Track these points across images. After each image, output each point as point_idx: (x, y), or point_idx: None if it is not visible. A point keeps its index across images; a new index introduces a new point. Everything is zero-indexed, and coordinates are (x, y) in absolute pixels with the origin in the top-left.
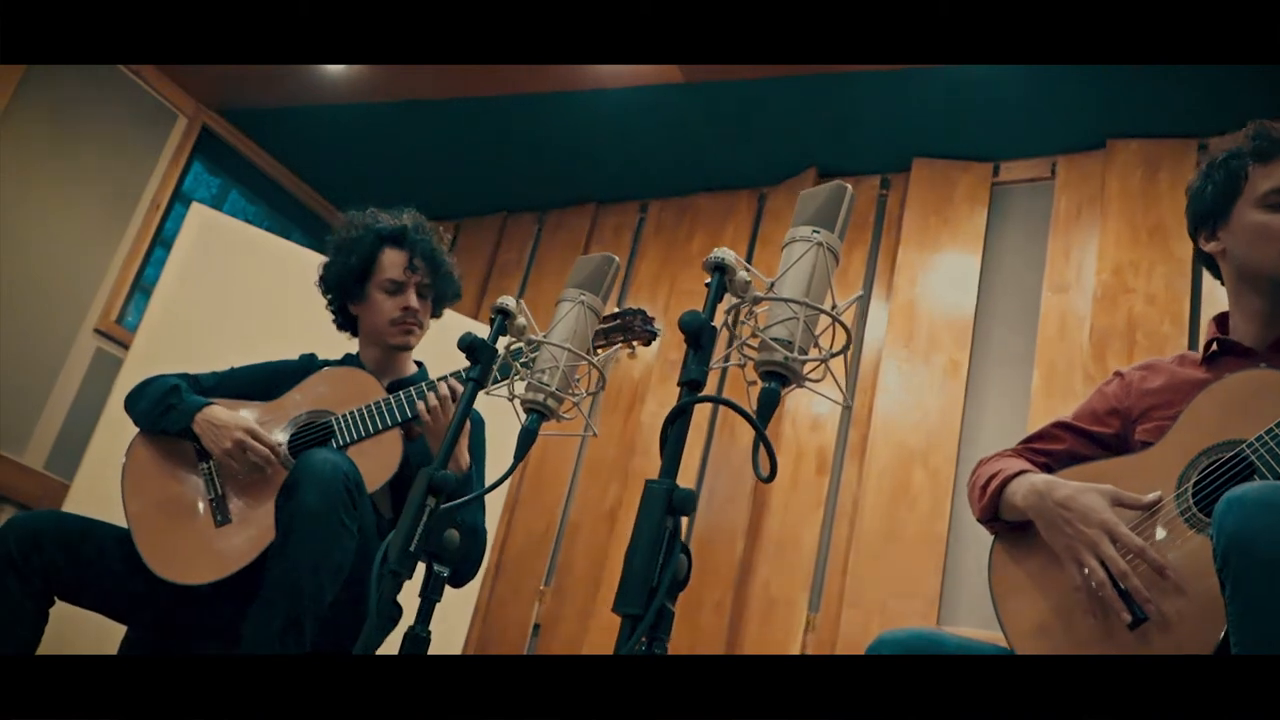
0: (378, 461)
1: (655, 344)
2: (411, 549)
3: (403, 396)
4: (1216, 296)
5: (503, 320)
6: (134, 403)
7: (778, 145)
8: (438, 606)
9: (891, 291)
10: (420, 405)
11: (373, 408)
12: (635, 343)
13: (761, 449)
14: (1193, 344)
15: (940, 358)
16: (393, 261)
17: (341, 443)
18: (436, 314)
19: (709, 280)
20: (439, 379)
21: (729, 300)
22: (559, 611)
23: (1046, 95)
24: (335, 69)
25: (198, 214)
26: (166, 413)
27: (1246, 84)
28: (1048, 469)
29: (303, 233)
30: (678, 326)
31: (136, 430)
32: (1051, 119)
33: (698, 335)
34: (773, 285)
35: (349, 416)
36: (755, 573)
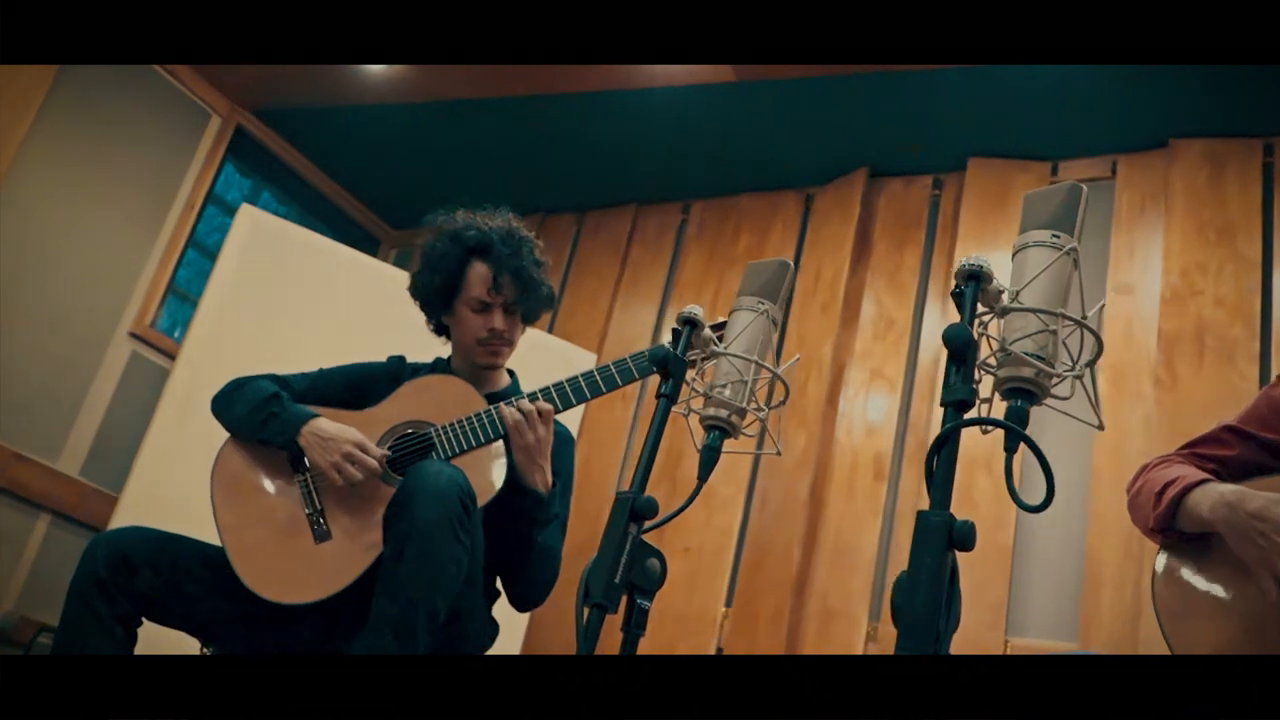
0: (485, 475)
1: None
2: (616, 580)
3: (505, 409)
4: None
5: (690, 331)
6: (226, 407)
7: (828, 145)
8: None
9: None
10: (507, 413)
11: (474, 420)
12: None
13: (1017, 472)
14: (1264, 347)
15: None
16: (479, 277)
17: (443, 455)
18: (531, 322)
19: (958, 289)
20: (533, 393)
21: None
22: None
23: (1107, 94)
24: (371, 69)
25: (247, 215)
26: (268, 421)
27: None
28: (1216, 476)
29: (335, 234)
30: (942, 340)
31: (226, 436)
32: (1112, 118)
33: (964, 351)
34: (1018, 295)
35: (451, 429)
36: (812, 583)
